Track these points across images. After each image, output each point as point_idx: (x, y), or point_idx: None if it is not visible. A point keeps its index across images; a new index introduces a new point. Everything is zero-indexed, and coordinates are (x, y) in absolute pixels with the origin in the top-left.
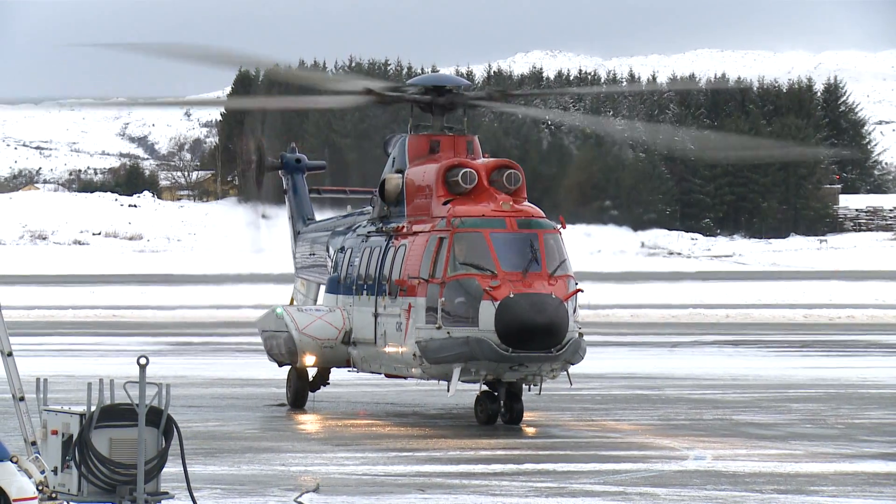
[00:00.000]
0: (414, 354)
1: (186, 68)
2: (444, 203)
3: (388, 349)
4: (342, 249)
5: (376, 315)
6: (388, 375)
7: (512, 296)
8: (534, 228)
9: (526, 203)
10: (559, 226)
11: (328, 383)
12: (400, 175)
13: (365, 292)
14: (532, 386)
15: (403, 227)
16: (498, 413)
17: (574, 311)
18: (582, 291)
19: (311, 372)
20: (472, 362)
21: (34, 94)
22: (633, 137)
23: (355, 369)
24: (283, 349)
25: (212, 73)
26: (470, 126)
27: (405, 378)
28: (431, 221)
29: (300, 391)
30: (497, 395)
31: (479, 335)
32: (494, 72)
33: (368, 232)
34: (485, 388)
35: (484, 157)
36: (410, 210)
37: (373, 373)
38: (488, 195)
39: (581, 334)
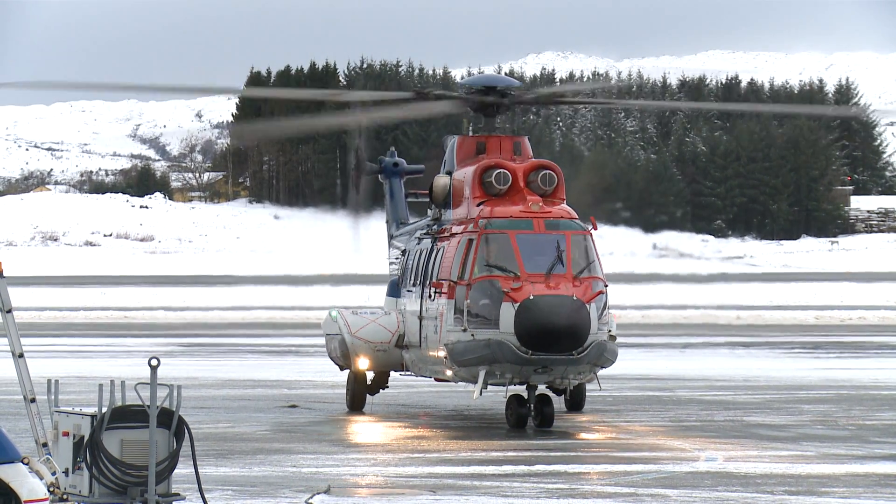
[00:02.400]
0: (444, 357)
1: (198, 67)
2: (479, 204)
3: (429, 352)
4: (403, 252)
5: (420, 318)
6: (436, 379)
7: (531, 297)
8: (562, 230)
9: (562, 205)
10: (590, 227)
11: (387, 387)
12: (448, 177)
13: (413, 295)
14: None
15: (445, 229)
16: (527, 417)
17: (602, 314)
18: (604, 293)
19: (370, 375)
20: (495, 365)
21: (46, 95)
22: (644, 138)
23: (410, 373)
24: (338, 352)
25: (223, 76)
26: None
27: (449, 382)
28: (467, 223)
29: (358, 395)
30: (526, 398)
31: (500, 337)
32: (506, 73)
33: (420, 235)
34: (516, 391)
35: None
36: (455, 212)
37: (423, 377)
38: (521, 196)
39: (613, 337)
